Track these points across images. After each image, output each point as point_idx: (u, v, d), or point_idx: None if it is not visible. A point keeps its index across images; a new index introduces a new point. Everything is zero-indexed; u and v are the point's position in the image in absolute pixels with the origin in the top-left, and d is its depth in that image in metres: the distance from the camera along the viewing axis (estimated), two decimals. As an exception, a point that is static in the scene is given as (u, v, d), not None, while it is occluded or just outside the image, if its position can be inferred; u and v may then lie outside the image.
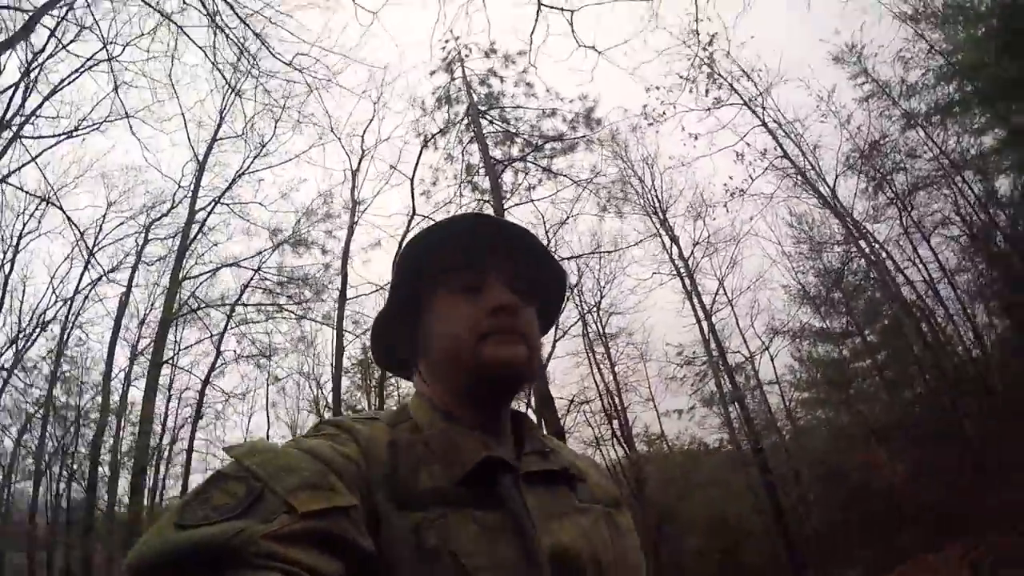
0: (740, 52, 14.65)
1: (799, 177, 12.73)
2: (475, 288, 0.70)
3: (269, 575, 0.42)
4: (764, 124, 13.04)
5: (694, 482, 13.01)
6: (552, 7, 7.76)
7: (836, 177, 12.59)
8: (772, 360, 13.79)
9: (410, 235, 0.68)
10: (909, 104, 12.27)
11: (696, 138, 13.53)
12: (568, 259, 12.94)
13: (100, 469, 11.44)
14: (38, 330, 12.42)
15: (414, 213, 11.90)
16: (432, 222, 0.73)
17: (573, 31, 8.43)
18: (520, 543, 0.59)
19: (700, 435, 13.96)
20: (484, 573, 0.55)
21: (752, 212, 14.81)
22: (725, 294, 14.04)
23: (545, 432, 0.82)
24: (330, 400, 12.00)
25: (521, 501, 0.62)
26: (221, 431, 13.93)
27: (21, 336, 12.20)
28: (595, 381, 13.75)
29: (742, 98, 13.11)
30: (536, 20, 9.54)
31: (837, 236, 12.88)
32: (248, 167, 11.94)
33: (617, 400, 13.35)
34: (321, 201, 12.57)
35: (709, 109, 13.20)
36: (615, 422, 13.05)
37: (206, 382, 12.34)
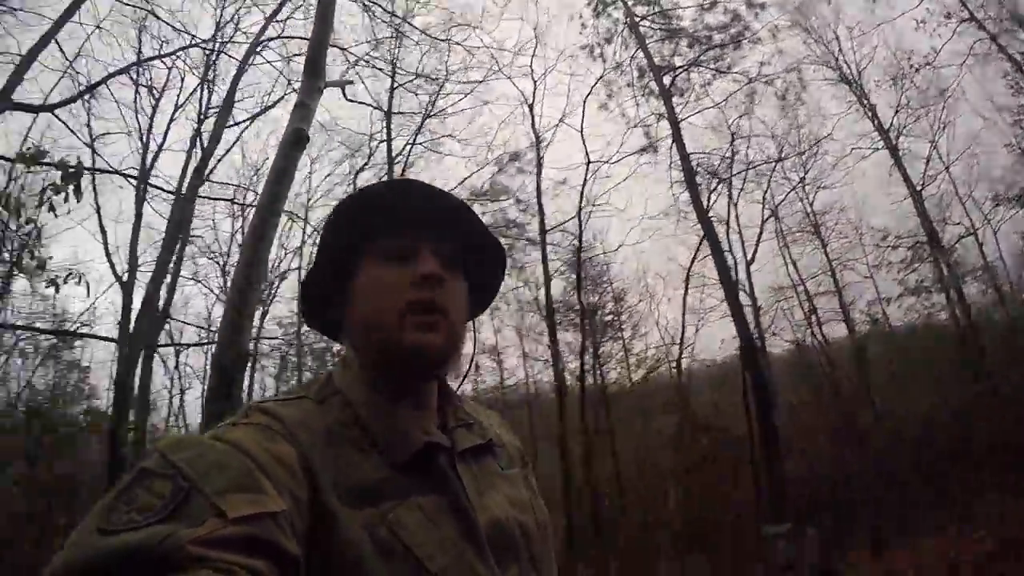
0: None
1: (996, 30, 11.03)
2: (404, 257, 0.69)
3: (199, 575, 0.41)
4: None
5: (912, 370, 11.87)
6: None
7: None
8: (995, 234, 11.41)
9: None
10: None
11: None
12: (757, 166, 12.22)
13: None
14: (278, 281, 14.86)
15: (589, 162, 12.31)
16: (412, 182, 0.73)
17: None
18: (460, 523, 0.62)
19: (917, 319, 12.54)
20: (434, 560, 0.58)
21: (954, 76, 12.36)
22: (939, 157, 11.81)
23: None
24: (545, 326, 12.45)
25: (459, 482, 0.66)
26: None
27: (268, 284, 14.71)
28: (789, 272, 12.81)
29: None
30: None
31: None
32: (431, 110, 12.35)
33: (832, 280, 12.30)
34: (503, 147, 13.13)
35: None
36: (812, 316, 12.49)
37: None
